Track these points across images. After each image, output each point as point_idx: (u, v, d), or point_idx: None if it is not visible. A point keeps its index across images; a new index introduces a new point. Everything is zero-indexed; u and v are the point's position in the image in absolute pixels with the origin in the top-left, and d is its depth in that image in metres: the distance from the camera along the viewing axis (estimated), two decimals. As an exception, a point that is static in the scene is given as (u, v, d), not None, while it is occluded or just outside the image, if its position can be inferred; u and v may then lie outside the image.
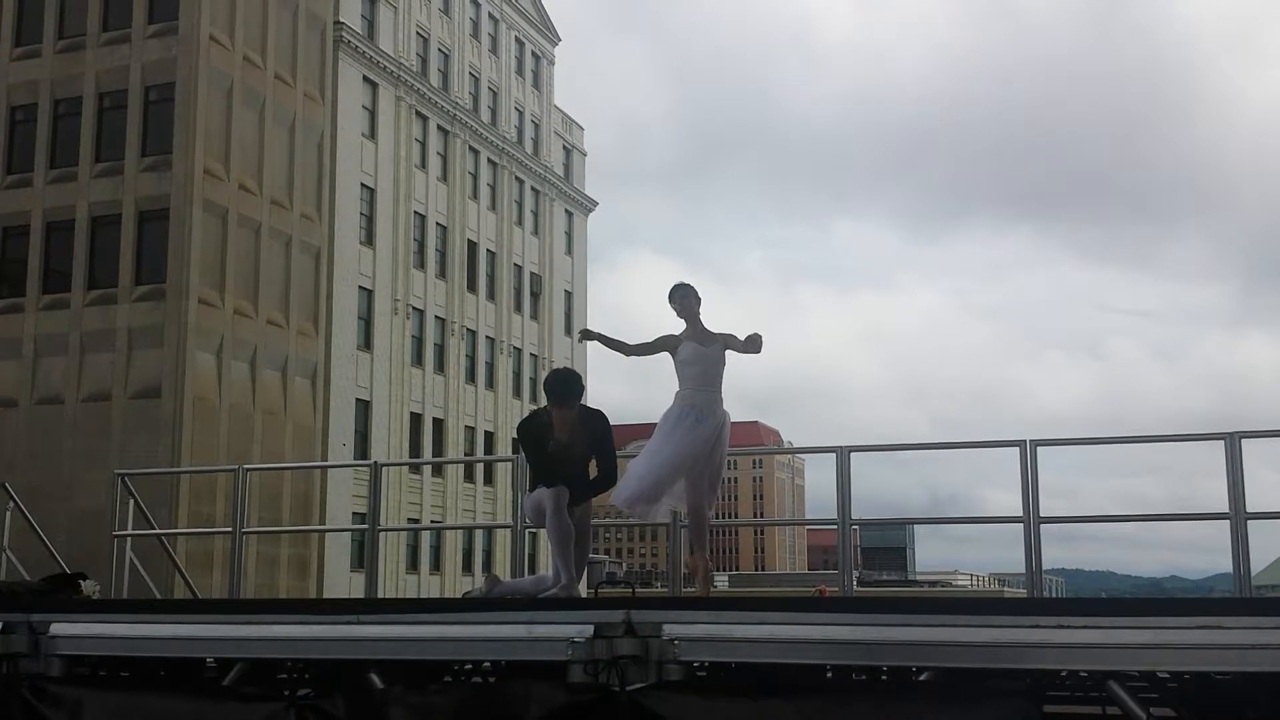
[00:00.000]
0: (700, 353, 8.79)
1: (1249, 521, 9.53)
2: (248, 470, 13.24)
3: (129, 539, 12.93)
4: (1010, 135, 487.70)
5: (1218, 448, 9.70)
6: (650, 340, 8.96)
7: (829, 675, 7.02)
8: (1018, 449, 10.03)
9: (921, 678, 6.21)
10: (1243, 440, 9.53)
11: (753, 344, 8.86)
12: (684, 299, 8.94)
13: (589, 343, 9.08)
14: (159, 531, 14.30)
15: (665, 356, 8.89)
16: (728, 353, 8.92)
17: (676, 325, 8.98)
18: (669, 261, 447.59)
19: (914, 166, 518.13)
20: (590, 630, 6.39)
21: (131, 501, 12.93)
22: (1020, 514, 10.02)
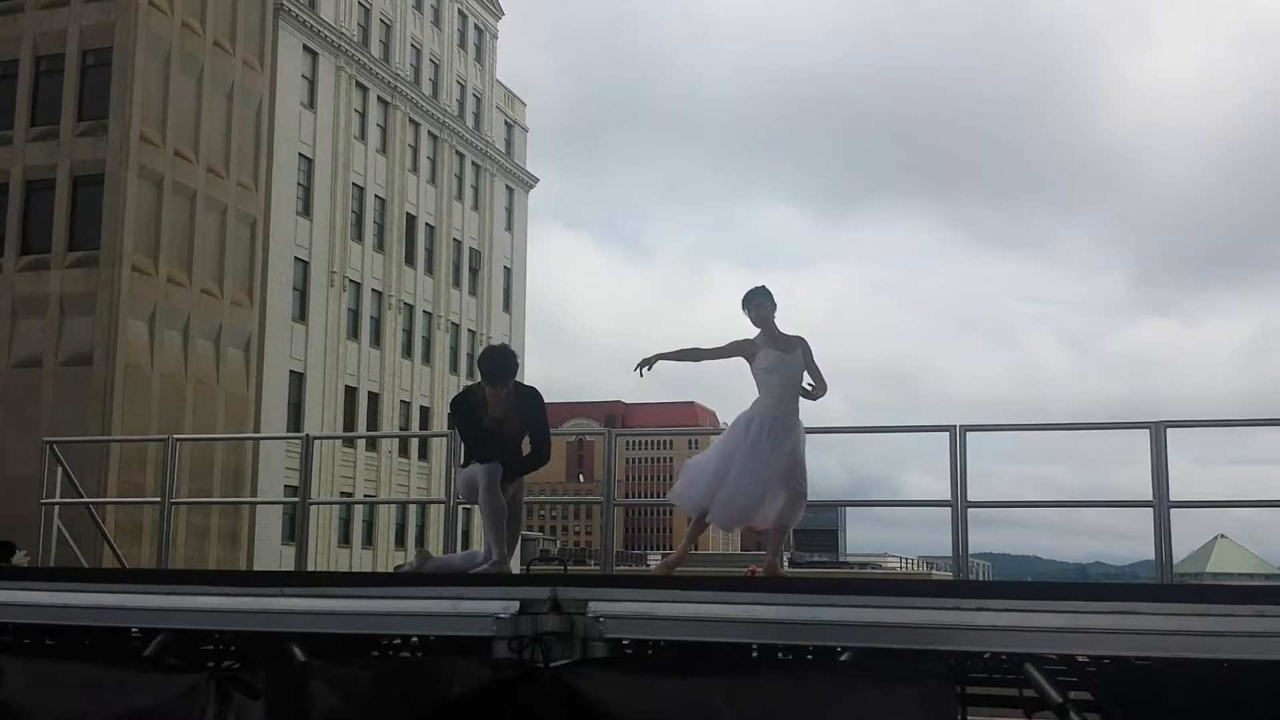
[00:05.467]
0: (782, 360, 8.57)
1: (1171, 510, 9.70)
2: (178, 440, 13.09)
3: (56, 507, 12.74)
4: (908, 113, 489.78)
5: (1129, 436, 9.87)
6: (723, 345, 8.69)
7: (754, 654, 7.08)
8: (947, 434, 10.13)
9: (844, 657, 6.28)
10: (1167, 429, 9.70)
11: (816, 394, 8.70)
12: (760, 307, 8.65)
13: (646, 369, 8.66)
14: (87, 500, 14.07)
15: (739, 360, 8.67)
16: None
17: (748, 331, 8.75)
18: (578, 235, 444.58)
19: (814, 144, 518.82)
20: (516, 606, 6.40)
21: (60, 469, 12.72)
22: (949, 498, 10.13)
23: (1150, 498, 9.65)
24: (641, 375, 8.74)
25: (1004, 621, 5.92)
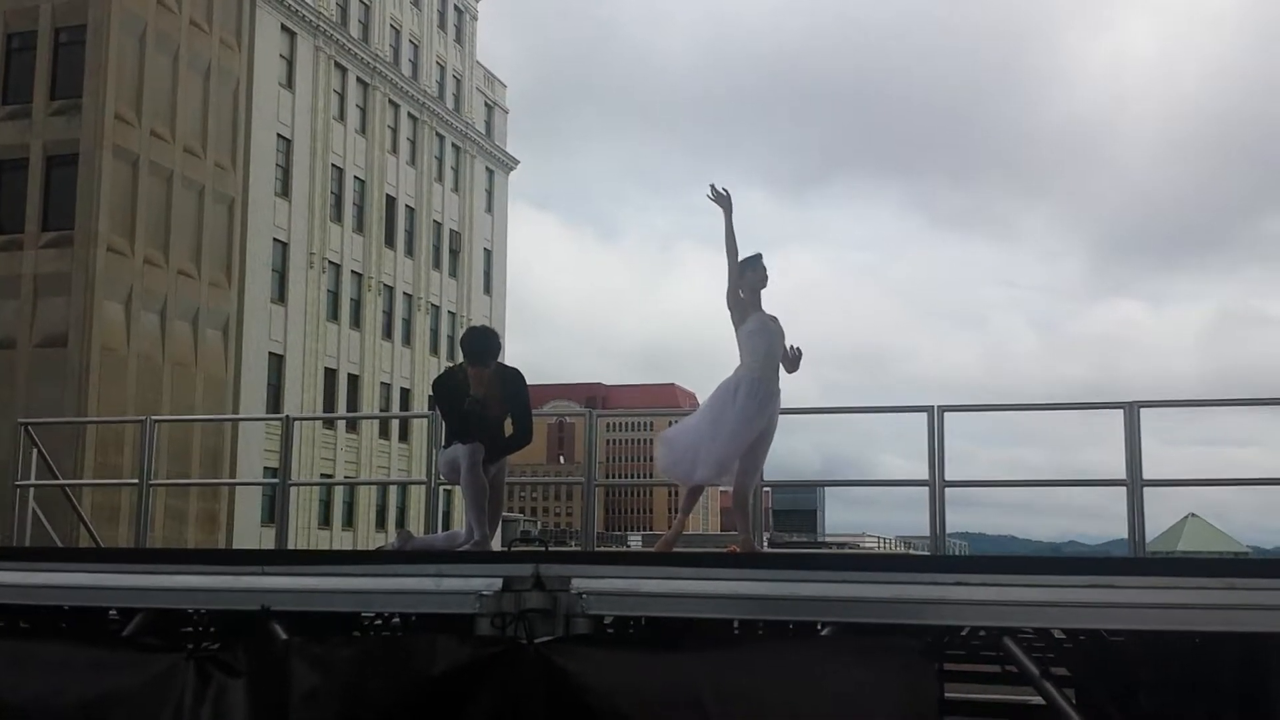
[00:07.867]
0: (768, 327, 8.63)
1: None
2: (155, 421, 13.02)
3: (31, 489, 12.68)
4: (869, 92, 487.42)
5: (1097, 417, 9.99)
6: (738, 276, 8.69)
7: (735, 630, 7.12)
8: (924, 415, 10.19)
9: (824, 633, 6.31)
10: (1140, 410, 9.78)
11: (793, 366, 8.76)
12: (763, 271, 8.70)
13: (713, 200, 8.71)
14: (63, 482, 14.02)
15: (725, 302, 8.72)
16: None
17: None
18: (546, 216, 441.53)
19: (777, 125, 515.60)
20: (498, 583, 6.39)
21: (35, 451, 12.66)
22: (925, 478, 10.20)
23: (1123, 477, 9.75)
24: (711, 193, 8.74)
25: (982, 596, 5.95)
